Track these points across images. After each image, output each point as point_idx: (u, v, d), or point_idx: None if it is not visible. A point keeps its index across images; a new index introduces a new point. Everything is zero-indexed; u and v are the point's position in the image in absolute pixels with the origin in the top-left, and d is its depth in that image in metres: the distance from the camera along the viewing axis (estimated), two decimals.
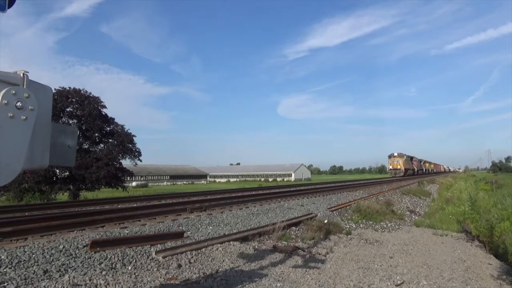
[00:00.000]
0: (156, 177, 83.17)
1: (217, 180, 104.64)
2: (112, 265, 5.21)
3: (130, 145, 28.00)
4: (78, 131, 25.16)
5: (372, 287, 5.63)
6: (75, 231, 7.19)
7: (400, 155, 58.16)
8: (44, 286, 4.20)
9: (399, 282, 5.87)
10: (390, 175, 57.29)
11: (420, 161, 73.59)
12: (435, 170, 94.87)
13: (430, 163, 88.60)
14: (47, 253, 5.28)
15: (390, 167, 58.47)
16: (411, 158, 64.37)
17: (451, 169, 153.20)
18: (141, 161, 29.36)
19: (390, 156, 59.36)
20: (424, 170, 76.74)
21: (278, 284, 5.21)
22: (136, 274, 5.00)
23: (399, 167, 57.09)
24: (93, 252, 5.47)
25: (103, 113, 27.59)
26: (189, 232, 7.41)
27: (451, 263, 7.62)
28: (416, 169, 66.12)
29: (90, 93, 27.07)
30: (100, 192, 28.29)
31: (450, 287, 5.95)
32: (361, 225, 11.66)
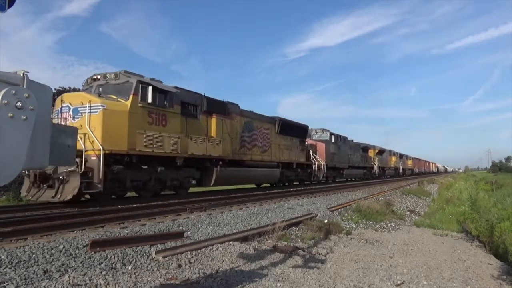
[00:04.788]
0: None
1: None
2: (112, 265, 5.21)
3: None
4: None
5: (372, 287, 5.63)
6: (75, 231, 7.18)
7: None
8: (44, 286, 4.20)
9: (399, 282, 5.87)
10: None
11: (365, 149, 38.16)
12: (417, 170, 66.11)
13: (404, 157, 57.39)
14: (47, 253, 5.27)
15: None
16: (302, 131, 24.12)
17: (448, 169, 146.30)
18: None
19: None
20: (387, 169, 46.94)
21: (278, 284, 5.21)
22: (136, 274, 4.99)
23: None
24: (93, 252, 5.47)
25: None
26: (189, 232, 7.41)
27: (451, 263, 7.62)
28: (317, 163, 25.71)
29: None
30: None
31: (450, 287, 5.95)
32: (361, 225, 11.64)
